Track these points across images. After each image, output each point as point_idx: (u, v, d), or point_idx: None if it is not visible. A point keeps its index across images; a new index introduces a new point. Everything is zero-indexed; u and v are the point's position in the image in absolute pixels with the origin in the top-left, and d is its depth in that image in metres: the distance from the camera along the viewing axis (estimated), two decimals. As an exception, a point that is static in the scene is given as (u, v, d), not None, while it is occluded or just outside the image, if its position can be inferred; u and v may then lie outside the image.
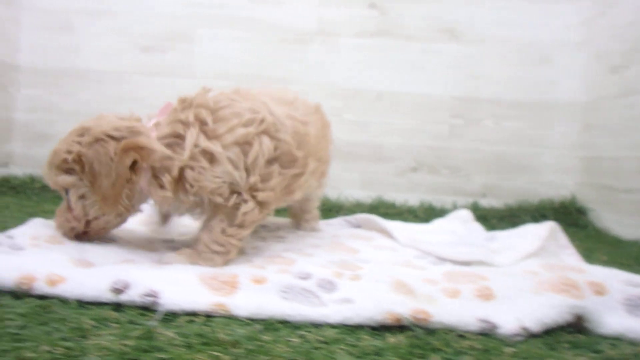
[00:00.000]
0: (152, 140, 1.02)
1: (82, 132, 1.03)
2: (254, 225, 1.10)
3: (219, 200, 1.03)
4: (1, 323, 0.72)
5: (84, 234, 1.09)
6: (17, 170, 2.19)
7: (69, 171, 1.03)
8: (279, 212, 1.80)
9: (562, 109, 2.25)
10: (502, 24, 2.23)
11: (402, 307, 0.84)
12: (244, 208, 1.05)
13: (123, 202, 1.03)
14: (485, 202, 2.25)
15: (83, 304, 0.82)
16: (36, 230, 1.08)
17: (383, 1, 2.23)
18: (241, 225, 1.06)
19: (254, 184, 1.05)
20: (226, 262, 1.06)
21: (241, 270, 0.96)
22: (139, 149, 1.00)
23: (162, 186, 1.02)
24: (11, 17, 2.15)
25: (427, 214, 2.15)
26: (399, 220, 1.91)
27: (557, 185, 2.25)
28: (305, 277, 0.95)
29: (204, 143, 1.01)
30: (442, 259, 1.24)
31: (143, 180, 1.03)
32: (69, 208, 1.06)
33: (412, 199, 2.25)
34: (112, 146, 0.99)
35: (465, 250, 1.30)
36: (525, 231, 1.41)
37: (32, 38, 2.22)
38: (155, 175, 1.03)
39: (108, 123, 1.04)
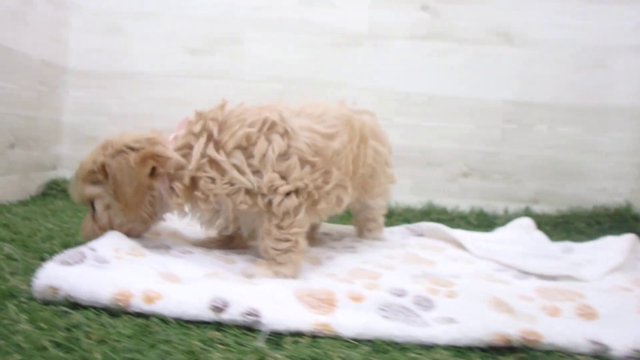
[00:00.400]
0: (168, 149, 1.10)
1: (106, 145, 1.09)
2: (302, 210, 1.09)
3: (244, 207, 1.07)
4: (110, 345, 0.69)
5: None
6: (66, 172, 2.18)
7: (95, 182, 1.09)
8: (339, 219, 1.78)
9: (617, 114, 2.19)
10: (556, 28, 2.17)
11: (509, 328, 0.80)
12: (275, 202, 1.06)
13: (145, 208, 1.11)
14: (537, 209, 2.20)
15: (182, 323, 0.79)
16: (116, 242, 1.05)
17: (435, 3, 2.19)
18: (287, 213, 1.07)
19: (271, 181, 1.06)
20: (302, 255, 1.10)
21: (334, 287, 0.93)
22: (156, 157, 1.07)
23: (176, 194, 1.08)
24: (60, 19, 2.13)
25: (479, 220, 2.12)
26: (450, 227, 1.88)
27: (611, 192, 2.20)
28: (401, 294, 0.93)
29: (211, 153, 1.06)
30: (526, 273, 1.20)
31: (162, 187, 1.10)
32: (94, 219, 1.12)
33: (463, 205, 2.21)
34: (132, 156, 1.06)
35: (551, 264, 1.26)
36: (606, 243, 1.37)
37: (81, 40, 2.20)
38: (171, 184, 1.09)
39: (129, 136, 1.10)
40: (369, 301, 0.87)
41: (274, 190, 1.06)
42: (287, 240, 1.07)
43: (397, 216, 2.08)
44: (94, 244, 1.03)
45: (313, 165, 1.10)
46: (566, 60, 2.18)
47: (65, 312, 0.79)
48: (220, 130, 1.07)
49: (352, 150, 1.21)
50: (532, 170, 2.22)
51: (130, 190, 1.05)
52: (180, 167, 1.08)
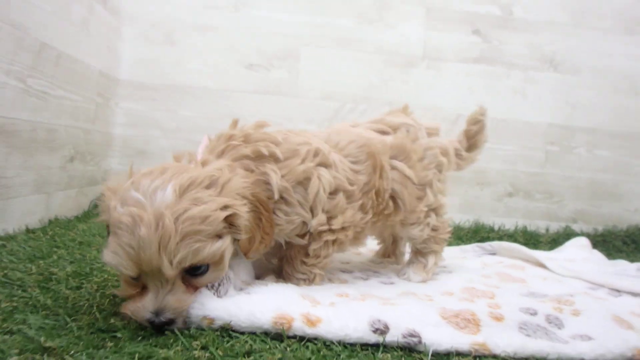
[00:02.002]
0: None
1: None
2: (330, 256, 1.08)
3: (299, 241, 1.02)
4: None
5: None
6: (114, 186, 2.11)
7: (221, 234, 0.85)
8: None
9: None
10: (598, 55, 2.29)
11: None
12: (313, 245, 1.04)
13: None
14: (576, 227, 2.30)
15: (347, 345, 0.79)
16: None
17: (486, 29, 2.26)
18: (317, 256, 1.05)
19: (320, 225, 1.01)
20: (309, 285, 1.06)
21: (475, 308, 0.94)
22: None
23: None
24: (114, 29, 2.07)
25: (525, 238, 2.19)
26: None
27: (643, 213, 2.34)
28: (533, 313, 0.96)
29: (283, 183, 0.96)
30: (618, 291, 1.27)
31: None
32: (192, 285, 0.85)
33: (508, 223, 2.28)
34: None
35: (637, 282, 1.33)
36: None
37: (134, 51, 2.15)
38: None
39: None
40: (509, 320, 0.90)
41: (318, 234, 1.03)
42: (305, 274, 1.06)
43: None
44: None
45: (351, 196, 1.06)
46: (607, 86, 2.30)
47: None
48: (281, 159, 0.98)
49: (374, 184, 1.11)
50: (572, 190, 2.32)
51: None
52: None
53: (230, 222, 0.83)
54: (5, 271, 0.97)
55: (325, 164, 1.02)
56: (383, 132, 1.21)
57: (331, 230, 1.03)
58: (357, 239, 1.15)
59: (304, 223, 1.00)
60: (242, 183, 0.87)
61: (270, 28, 2.19)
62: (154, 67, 2.16)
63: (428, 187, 1.21)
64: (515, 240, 2.19)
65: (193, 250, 0.78)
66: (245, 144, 0.96)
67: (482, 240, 2.14)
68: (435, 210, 1.25)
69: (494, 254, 1.72)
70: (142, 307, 0.78)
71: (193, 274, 0.82)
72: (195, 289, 0.83)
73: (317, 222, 1.00)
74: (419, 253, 1.29)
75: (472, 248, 1.76)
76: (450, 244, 1.99)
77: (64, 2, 1.62)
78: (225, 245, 0.83)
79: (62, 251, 1.20)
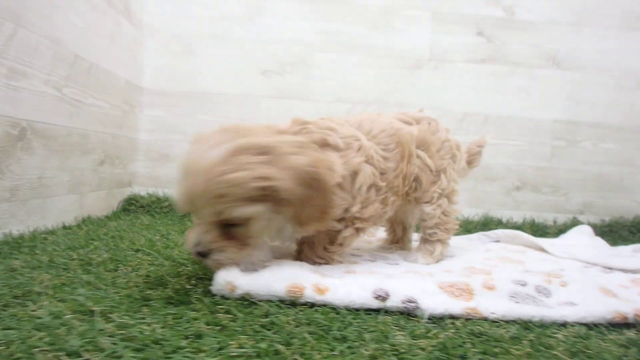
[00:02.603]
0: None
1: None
2: (352, 243, 1.22)
3: (335, 225, 1.13)
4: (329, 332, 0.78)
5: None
6: (140, 189, 2.24)
7: (257, 200, 0.92)
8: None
9: (655, 132, 2.41)
10: (601, 52, 2.37)
11: (625, 307, 0.93)
12: (345, 232, 1.15)
13: None
14: (583, 219, 2.38)
15: (351, 310, 0.89)
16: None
17: (490, 29, 2.35)
18: (341, 244, 1.17)
19: (356, 212, 1.14)
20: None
21: (470, 280, 1.02)
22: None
23: None
24: (138, 41, 2.21)
25: (532, 230, 2.27)
26: None
27: (649, 203, 2.41)
28: (523, 284, 1.04)
29: (341, 170, 1.08)
30: (610, 268, 1.35)
31: None
32: (233, 238, 0.96)
33: (516, 216, 2.37)
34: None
35: (630, 261, 1.42)
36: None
37: (156, 61, 2.28)
38: None
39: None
40: (500, 290, 0.99)
41: (352, 220, 1.15)
42: (323, 259, 1.17)
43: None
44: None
45: (380, 189, 1.19)
46: (609, 82, 2.38)
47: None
48: (342, 148, 1.12)
49: (402, 170, 1.25)
50: (578, 183, 2.40)
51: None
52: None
53: (268, 191, 0.91)
54: (51, 257, 1.10)
55: (368, 161, 1.15)
56: (407, 122, 1.36)
57: (361, 219, 1.16)
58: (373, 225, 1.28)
59: (346, 209, 1.12)
60: (303, 160, 0.95)
61: (283, 36, 2.31)
62: (175, 75, 2.29)
63: (443, 173, 1.36)
64: (523, 232, 2.27)
65: (221, 209, 0.90)
66: (316, 131, 1.10)
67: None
68: (448, 195, 1.38)
69: (497, 241, 1.80)
70: (188, 238, 0.96)
71: (226, 226, 0.94)
72: (230, 237, 0.95)
73: (356, 209, 1.13)
74: (427, 241, 1.40)
75: (477, 237, 1.84)
76: (458, 236, 2.09)
77: (95, 17, 1.77)
78: (256, 210, 0.92)
79: (98, 243, 1.32)
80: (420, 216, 1.40)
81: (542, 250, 1.59)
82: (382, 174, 1.19)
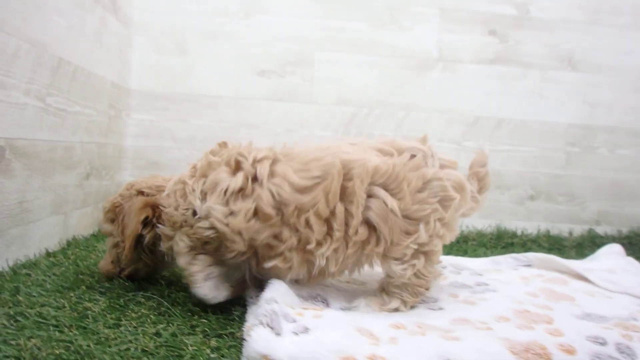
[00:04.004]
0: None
1: (129, 187, 1.15)
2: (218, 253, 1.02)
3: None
4: None
5: (118, 276, 1.18)
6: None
7: (111, 220, 1.15)
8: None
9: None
10: (617, 53, 2.25)
11: None
12: (199, 224, 1.02)
13: (143, 254, 1.14)
14: (600, 230, 2.26)
15: None
16: (282, 296, 0.99)
17: (502, 28, 2.21)
18: (199, 239, 1.01)
19: (211, 209, 0.98)
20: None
21: (540, 337, 0.89)
22: (154, 206, 1.08)
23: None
24: (125, 38, 2.02)
25: (549, 242, 2.15)
26: (521, 251, 1.90)
27: (666, 212, 2.30)
28: (602, 342, 0.91)
29: (186, 179, 1.08)
30: None
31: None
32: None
33: (530, 227, 2.24)
34: (136, 202, 1.09)
35: None
36: None
37: (144, 60, 2.09)
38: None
39: (149, 182, 1.15)
40: (582, 352, 0.85)
41: (207, 219, 0.98)
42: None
43: (471, 241, 2.09)
44: (276, 302, 0.93)
45: (269, 219, 0.97)
46: (626, 84, 2.25)
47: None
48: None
49: (324, 209, 0.99)
50: (594, 192, 2.28)
51: (127, 231, 1.08)
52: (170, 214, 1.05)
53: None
54: (38, 308, 0.92)
55: (243, 172, 0.99)
56: (387, 154, 1.06)
57: (224, 224, 0.97)
58: (264, 261, 1.02)
59: (193, 210, 1.00)
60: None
61: (282, 33, 2.14)
62: (165, 76, 2.11)
63: (423, 224, 1.03)
64: (539, 245, 2.15)
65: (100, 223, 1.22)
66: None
67: (507, 246, 2.10)
68: (426, 254, 1.06)
69: (529, 265, 1.67)
70: None
71: None
72: None
73: (209, 206, 0.97)
74: (386, 292, 1.10)
75: (504, 259, 1.70)
76: (475, 251, 1.95)
77: (79, 15, 1.57)
78: (107, 229, 1.17)
79: (89, 279, 1.15)
80: (385, 272, 1.09)
81: (583, 278, 1.45)
82: (281, 203, 0.98)
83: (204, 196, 0.98)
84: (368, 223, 1.01)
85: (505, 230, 2.20)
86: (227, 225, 0.96)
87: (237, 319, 0.97)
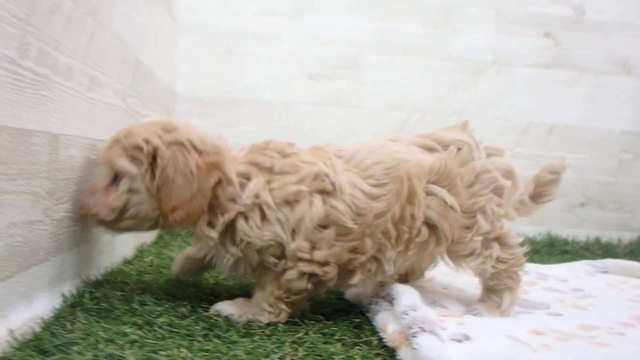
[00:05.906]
0: (232, 170, 0.95)
1: (169, 128, 0.96)
2: (305, 294, 0.99)
3: (272, 260, 0.96)
4: None
5: (102, 223, 0.99)
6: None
7: (135, 160, 0.94)
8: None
9: None
10: (674, 58, 2.19)
11: None
12: (288, 274, 0.96)
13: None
14: (649, 238, 2.23)
15: None
16: (419, 302, 0.95)
17: (557, 31, 2.15)
18: (289, 290, 0.97)
19: (298, 250, 0.95)
20: (271, 321, 0.98)
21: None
22: (223, 172, 0.93)
23: (211, 224, 0.95)
24: (174, 39, 1.94)
25: (602, 250, 2.12)
26: (574, 259, 1.87)
27: None
28: None
29: (266, 197, 0.94)
30: None
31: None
32: (107, 192, 0.96)
33: (580, 235, 2.21)
34: (194, 157, 0.93)
35: None
36: None
37: (190, 63, 2.01)
38: (211, 210, 0.95)
39: (195, 132, 0.98)
40: None
41: (294, 261, 0.95)
42: (271, 307, 0.98)
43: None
44: (419, 308, 0.90)
45: (349, 233, 0.97)
46: (683, 91, 2.20)
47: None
48: (276, 172, 0.96)
49: (394, 213, 0.99)
50: (644, 200, 2.25)
51: (186, 193, 0.91)
52: (231, 198, 0.94)
53: (147, 155, 0.93)
54: (162, 318, 0.86)
55: (324, 191, 0.96)
56: (430, 149, 1.07)
57: (310, 261, 0.95)
58: (348, 277, 1.01)
59: (280, 244, 0.95)
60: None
61: (333, 35, 2.07)
62: (212, 80, 2.04)
63: (480, 214, 1.04)
64: (592, 253, 2.12)
65: (111, 156, 0.95)
66: (260, 152, 0.99)
67: (561, 253, 2.07)
68: (498, 239, 1.07)
69: (605, 272, 1.65)
70: None
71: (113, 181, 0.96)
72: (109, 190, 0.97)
73: (296, 246, 0.94)
74: (491, 290, 1.11)
75: (581, 266, 1.67)
76: (530, 259, 1.91)
77: (149, 12, 1.48)
78: (129, 169, 0.94)
79: (186, 287, 1.10)
80: (472, 270, 1.11)
81: None
82: (358, 214, 0.96)
83: (292, 234, 0.95)
84: (428, 223, 1.02)
85: (556, 237, 2.17)
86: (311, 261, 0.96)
87: (364, 326, 0.98)
